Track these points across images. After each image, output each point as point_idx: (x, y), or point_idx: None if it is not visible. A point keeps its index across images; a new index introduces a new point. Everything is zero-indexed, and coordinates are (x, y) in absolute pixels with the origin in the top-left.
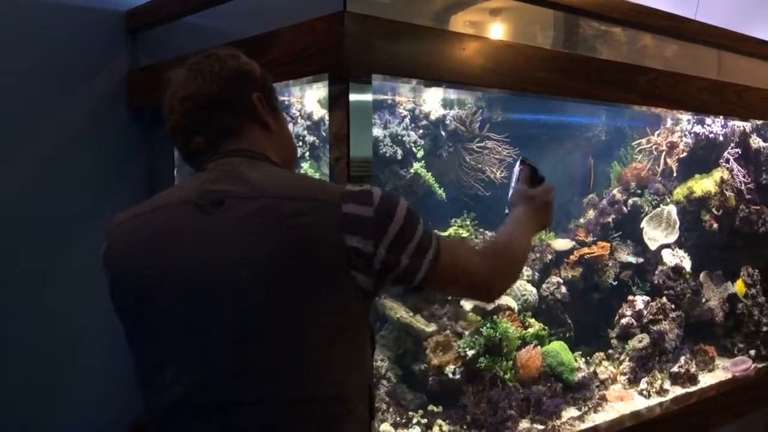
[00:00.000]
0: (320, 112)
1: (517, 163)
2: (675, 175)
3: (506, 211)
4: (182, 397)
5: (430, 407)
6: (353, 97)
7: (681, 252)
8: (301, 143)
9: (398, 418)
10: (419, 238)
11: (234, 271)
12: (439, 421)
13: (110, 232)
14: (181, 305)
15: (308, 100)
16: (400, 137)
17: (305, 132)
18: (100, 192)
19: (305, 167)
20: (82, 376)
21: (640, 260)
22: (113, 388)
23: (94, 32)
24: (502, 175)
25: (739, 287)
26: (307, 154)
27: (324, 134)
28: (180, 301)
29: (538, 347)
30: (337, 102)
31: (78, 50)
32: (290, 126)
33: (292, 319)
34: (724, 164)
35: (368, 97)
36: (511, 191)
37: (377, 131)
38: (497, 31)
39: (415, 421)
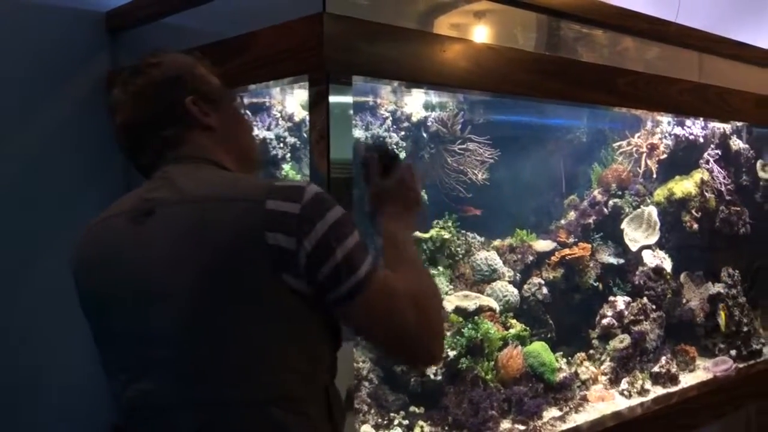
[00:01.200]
0: (302, 114)
1: (363, 160)
2: (655, 176)
3: (370, 220)
4: (133, 400)
5: (412, 408)
6: (333, 98)
7: (661, 253)
8: (282, 145)
9: (380, 420)
10: (349, 250)
11: (165, 279)
12: (421, 422)
13: (77, 240)
14: (123, 315)
15: (290, 101)
16: (382, 139)
17: (286, 133)
18: (79, 194)
19: (286, 169)
20: (61, 376)
21: (621, 261)
22: (94, 389)
23: (74, 33)
24: (484, 177)
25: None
26: (289, 155)
27: (305, 135)
28: (122, 311)
29: (520, 348)
30: (317, 103)
31: (57, 51)
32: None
33: (225, 323)
34: (704, 166)
35: (348, 98)
36: (366, 195)
37: (359, 133)
38: (481, 33)
39: (396, 422)
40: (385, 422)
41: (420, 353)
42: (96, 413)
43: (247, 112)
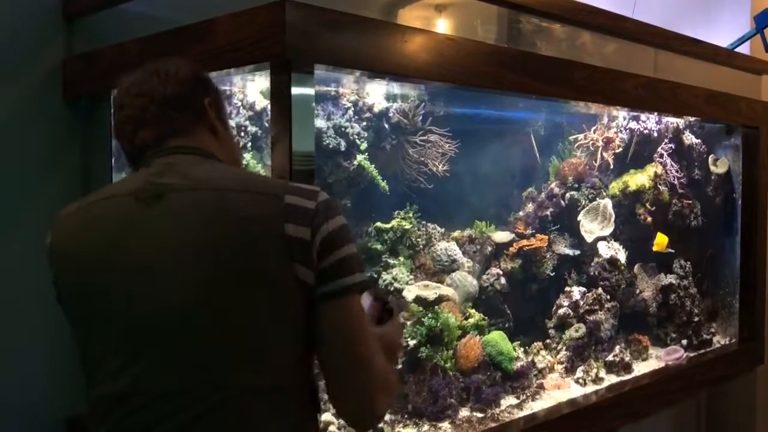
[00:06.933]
0: (263, 102)
1: (367, 301)
2: (611, 168)
3: None
4: (129, 386)
5: None
6: (295, 87)
7: (616, 244)
8: (243, 134)
9: None
10: (351, 253)
11: (176, 263)
12: None
13: (55, 225)
14: (124, 296)
15: (251, 89)
16: (343, 129)
17: (247, 122)
18: (33, 185)
19: (247, 158)
20: (11, 372)
21: (577, 252)
22: (46, 385)
23: (28, 18)
24: (444, 168)
25: (660, 242)
26: (249, 145)
27: (266, 125)
28: (123, 292)
29: (478, 337)
30: (278, 92)
31: (11, 37)
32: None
33: (236, 309)
34: (658, 159)
35: (311, 87)
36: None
37: (320, 122)
38: (443, 25)
39: None
40: None
41: (367, 398)
42: (44, 410)
43: None
